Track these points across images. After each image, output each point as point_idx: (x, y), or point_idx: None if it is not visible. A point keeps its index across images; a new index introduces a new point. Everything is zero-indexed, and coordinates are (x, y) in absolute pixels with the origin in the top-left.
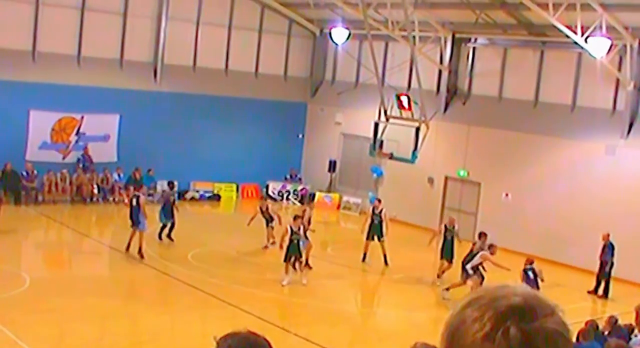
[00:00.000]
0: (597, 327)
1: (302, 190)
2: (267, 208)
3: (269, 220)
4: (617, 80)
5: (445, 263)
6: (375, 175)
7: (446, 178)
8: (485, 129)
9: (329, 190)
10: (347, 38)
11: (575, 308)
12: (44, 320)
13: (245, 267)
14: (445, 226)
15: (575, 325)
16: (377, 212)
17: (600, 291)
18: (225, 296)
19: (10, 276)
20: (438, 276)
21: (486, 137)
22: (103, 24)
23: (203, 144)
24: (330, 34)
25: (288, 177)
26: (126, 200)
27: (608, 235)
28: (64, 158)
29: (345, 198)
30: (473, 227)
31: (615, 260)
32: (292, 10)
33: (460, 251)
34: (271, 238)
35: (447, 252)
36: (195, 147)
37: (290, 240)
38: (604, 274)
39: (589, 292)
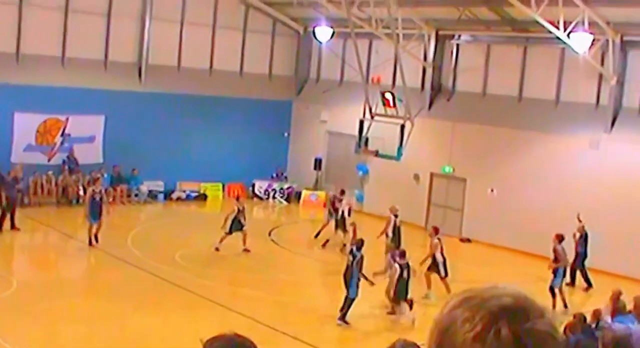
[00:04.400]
0: (585, 319)
1: (288, 188)
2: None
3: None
4: (600, 75)
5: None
6: (360, 172)
7: (432, 174)
8: (470, 125)
9: (315, 188)
10: (331, 36)
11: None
12: (32, 323)
13: (233, 266)
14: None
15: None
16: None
17: (583, 283)
18: (214, 296)
19: None
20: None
21: (471, 133)
22: (87, 25)
23: (189, 143)
24: (314, 32)
25: (274, 175)
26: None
27: (583, 227)
28: (49, 160)
29: (331, 195)
30: (459, 223)
31: (588, 251)
32: (276, 9)
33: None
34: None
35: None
36: (181, 147)
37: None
38: (579, 265)
39: (566, 284)
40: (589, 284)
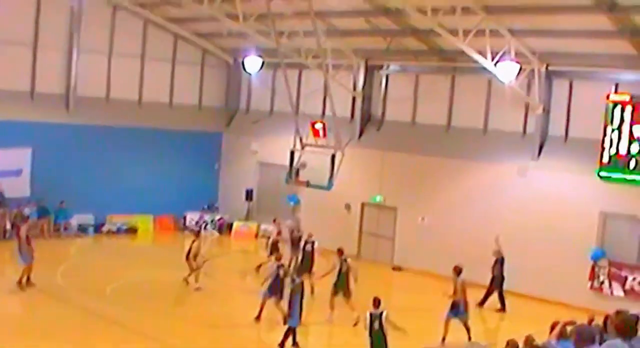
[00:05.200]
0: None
1: (219, 220)
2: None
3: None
4: (527, 104)
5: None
6: (291, 203)
7: (363, 204)
8: (399, 154)
9: (246, 219)
10: (261, 67)
11: (492, 329)
12: None
13: (166, 299)
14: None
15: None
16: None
17: (497, 304)
18: (147, 330)
19: None
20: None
21: (401, 162)
22: (12, 56)
23: (119, 176)
24: (243, 63)
25: (205, 207)
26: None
27: (499, 250)
28: None
29: (263, 226)
30: (391, 250)
31: (505, 274)
32: (206, 40)
33: None
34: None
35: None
36: (111, 180)
37: None
38: (496, 288)
39: (498, 311)
40: (503, 307)
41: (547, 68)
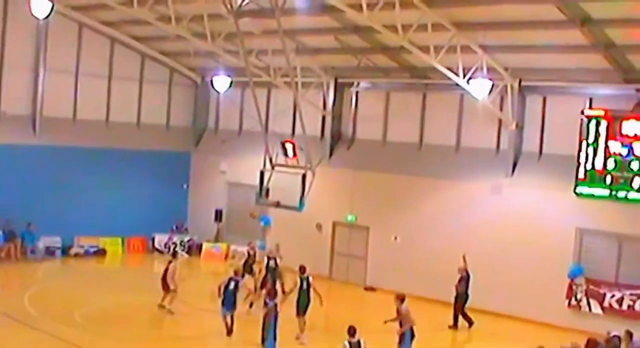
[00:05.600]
0: None
1: (188, 241)
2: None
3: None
4: (500, 120)
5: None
6: (262, 223)
7: (334, 223)
8: (371, 173)
9: (216, 240)
10: (230, 86)
11: None
12: None
13: (135, 323)
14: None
15: None
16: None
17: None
18: None
19: None
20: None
21: (372, 181)
22: None
23: (86, 197)
24: (212, 82)
25: (174, 228)
26: None
27: (465, 268)
28: None
29: (233, 247)
30: (364, 271)
31: (470, 292)
32: (173, 59)
33: None
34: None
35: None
36: (79, 201)
37: None
38: (461, 306)
39: (450, 327)
40: (456, 324)
41: (520, 83)
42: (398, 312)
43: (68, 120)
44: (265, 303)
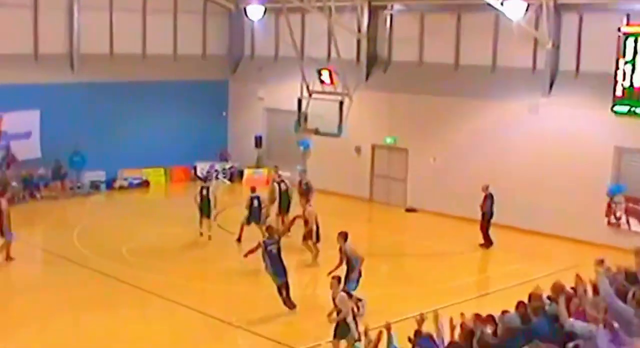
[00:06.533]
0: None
1: (230, 168)
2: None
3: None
4: (536, 39)
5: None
6: (302, 148)
7: (373, 146)
8: (408, 95)
9: (257, 166)
10: (263, 14)
11: (510, 271)
12: None
13: (181, 258)
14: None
15: (510, 289)
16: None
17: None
18: (163, 291)
19: None
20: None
21: (410, 103)
22: (13, 19)
23: (128, 130)
24: (245, 10)
25: (220, 156)
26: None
27: (487, 187)
28: None
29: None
30: (403, 193)
31: (494, 209)
32: None
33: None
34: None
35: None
36: (120, 135)
37: None
38: (488, 223)
39: (480, 245)
40: (490, 242)
41: (555, 2)
42: (341, 250)
43: (105, 56)
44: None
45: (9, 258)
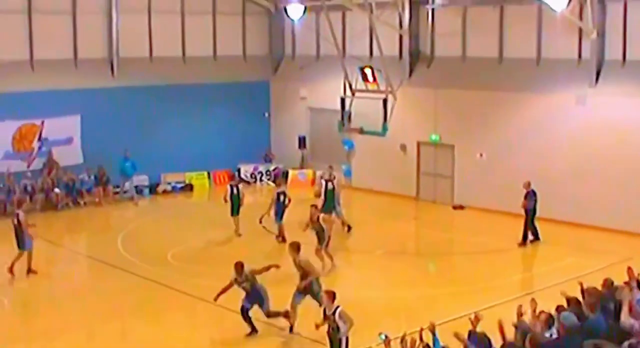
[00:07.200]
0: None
1: (274, 169)
2: (318, 218)
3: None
4: (580, 29)
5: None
6: (346, 147)
7: (419, 143)
8: (452, 90)
9: (301, 167)
10: (303, 12)
11: (562, 266)
12: (29, 341)
13: (226, 262)
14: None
15: (563, 285)
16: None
17: (530, 238)
18: (211, 297)
19: None
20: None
21: (454, 98)
22: (53, 25)
23: (169, 134)
24: (285, 9)
25: (264, 157)
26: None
27: (529, 183)
28: (28, 166)
29: (318, 173)
30: (450, 189)
31: (537, 206)
32: None
33: None
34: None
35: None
36: (162, 139)
37: None
38: (529, 222)
39: (519, 245)
40: (525, 241)
41: None
42: (295, 263)
43: (145, 59)
44: None
45: (31, 271)
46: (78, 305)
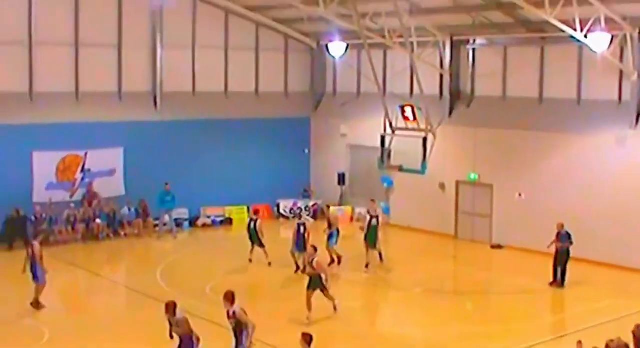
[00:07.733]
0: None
1: (313, 205)
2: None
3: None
4: (621, 71)
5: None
6: (385, 184)
7: (457, 182)
8: (492, 130)
9: (340, 203)
10: (345, 50)
11: (601, 308)
12: None
13: (267, 296)
14: (368, 211)
15: (602, 326)
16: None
17: (559, 277)
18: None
19: (29, 329)
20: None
21: (494, 138)
22: (98, 58)
23: (210, 168)
24: (327, 46)
25: (304, 193)
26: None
27: (562, 225)
28: (71, 196)
29: (357, 210)
30: (489, 229)
31: (571, 248)
32: (287, 26)
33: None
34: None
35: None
36: (203, 173)
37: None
38: (560, 262)
39: (550, 284)
40: (555, 280)
41: (639, 33)
42: (229, 315)
43: (188, 94)
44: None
45: (39, 305)
46: (116, 335)
